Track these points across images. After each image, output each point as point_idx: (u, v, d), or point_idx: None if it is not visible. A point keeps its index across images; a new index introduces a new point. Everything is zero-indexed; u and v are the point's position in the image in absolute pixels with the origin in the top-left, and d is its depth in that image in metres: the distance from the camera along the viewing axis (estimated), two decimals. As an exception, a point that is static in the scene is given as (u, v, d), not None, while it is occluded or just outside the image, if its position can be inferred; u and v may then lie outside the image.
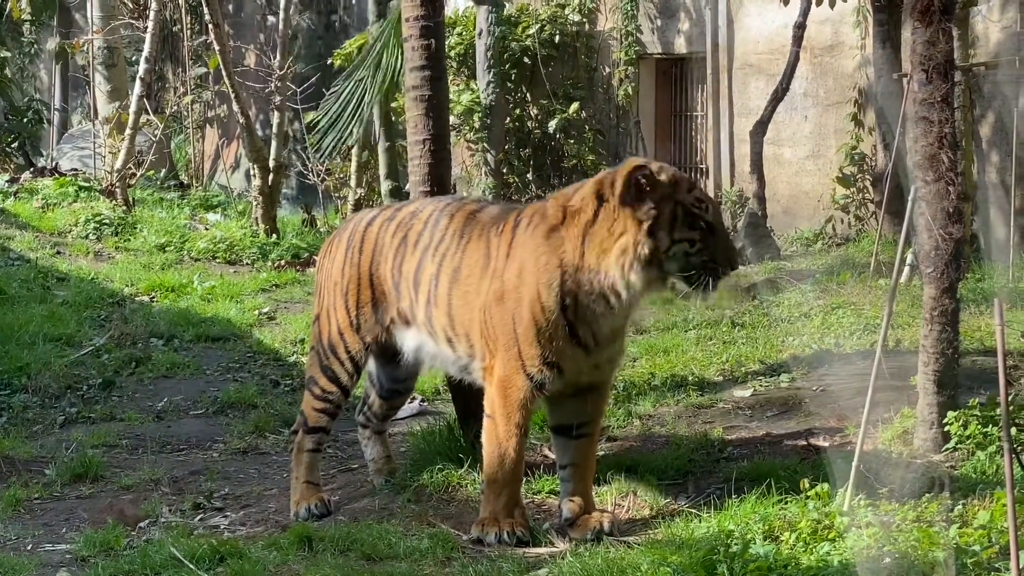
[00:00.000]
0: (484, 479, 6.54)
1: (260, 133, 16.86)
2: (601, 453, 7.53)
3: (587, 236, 6.16)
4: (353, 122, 14.89)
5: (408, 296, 6.86)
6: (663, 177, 6.08)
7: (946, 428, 6.82)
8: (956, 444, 6.78)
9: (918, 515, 5.87)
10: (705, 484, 6.93)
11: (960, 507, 5.97)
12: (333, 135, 15.27)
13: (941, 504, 5.99)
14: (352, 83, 15.24)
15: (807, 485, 6.17)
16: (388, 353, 7.20)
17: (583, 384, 6.47)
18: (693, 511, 6.44)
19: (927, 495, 6.10)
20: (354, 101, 15.08)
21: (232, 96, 15.51)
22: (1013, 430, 6.18)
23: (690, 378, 9.15)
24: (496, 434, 6.39)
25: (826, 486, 6.14)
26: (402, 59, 8.01)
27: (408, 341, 7.00)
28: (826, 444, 7.35)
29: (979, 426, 6.78)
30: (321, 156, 16.28)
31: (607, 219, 6.12)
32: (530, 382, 6.29)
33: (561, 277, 6.20)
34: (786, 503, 6.25)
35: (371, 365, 7.39)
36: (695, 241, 6.05)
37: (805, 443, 7.43)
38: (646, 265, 6.03)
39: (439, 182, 7.76)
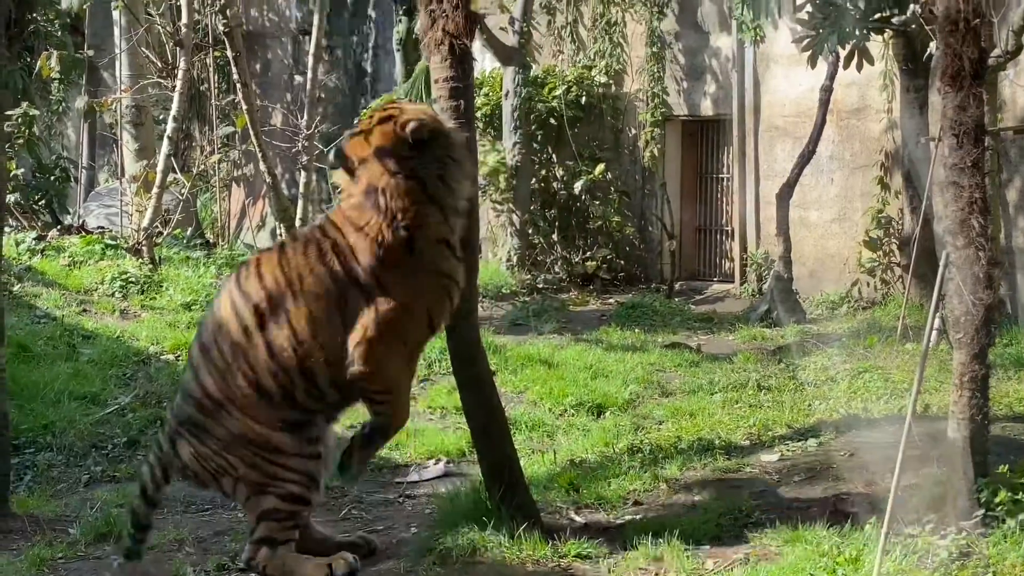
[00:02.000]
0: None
1: (286, 192, 16.91)
2: (627, 517, 7.50)
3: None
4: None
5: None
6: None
7: (976, 495, 6.76)
8: (986, 511, 6.73)
9: (949, 583, 5.84)
10: (733, 550, 6.89)
11: (991, 575, 5.92)
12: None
13: (972, 572, 5.95)
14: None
15: (836, 551, 6.13)
16: None
17: None
18: (721, 577, 6.41)
19: (958, 562, 6.05)
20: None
21: (259, 155, 15.59)
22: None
23: (717, 442, 9.11)
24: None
25: (855, 553, 6.10)
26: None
27: None
28: (855, 510, 7.30)
29: (1009, 493, 6.72)
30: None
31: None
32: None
33: (389, 225, 6.59)
34: (815, 570, 6.20)
35: None
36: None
37: (834, 509, 7.38)
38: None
39: (466, 243, 7.74)
